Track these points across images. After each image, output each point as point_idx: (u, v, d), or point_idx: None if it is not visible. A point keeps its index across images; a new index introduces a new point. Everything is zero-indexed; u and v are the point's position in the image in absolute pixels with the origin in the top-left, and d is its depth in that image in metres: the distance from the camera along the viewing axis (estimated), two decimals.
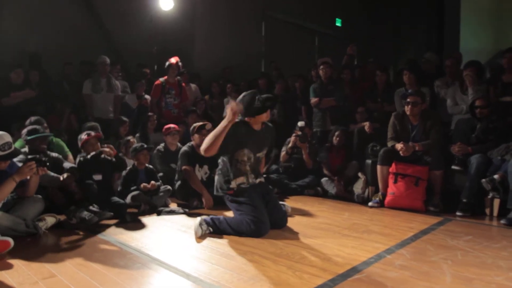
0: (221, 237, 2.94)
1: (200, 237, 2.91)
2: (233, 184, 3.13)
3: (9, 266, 2.30)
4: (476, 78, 4.56)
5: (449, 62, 5.19)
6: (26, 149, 3.49)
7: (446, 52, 8.91)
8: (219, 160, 3.33)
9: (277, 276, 2.21)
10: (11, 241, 2.54)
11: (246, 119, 3.12)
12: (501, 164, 3.78)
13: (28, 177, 2.90)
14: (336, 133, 5.00)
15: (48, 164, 2.89)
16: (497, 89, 4.49)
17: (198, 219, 3.03)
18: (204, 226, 2.97)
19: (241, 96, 3.16)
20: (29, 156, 3.06)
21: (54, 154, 3.70)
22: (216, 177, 3.32)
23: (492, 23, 9.30)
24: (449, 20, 9.86)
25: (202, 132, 4.26)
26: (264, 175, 4.88)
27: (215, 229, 3.00)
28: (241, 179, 3.14)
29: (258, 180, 3.27)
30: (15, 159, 2.99)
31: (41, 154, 3.41)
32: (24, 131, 3.50)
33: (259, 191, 3.21)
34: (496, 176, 3.69)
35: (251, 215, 2.94)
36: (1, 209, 2.92)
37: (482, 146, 4.02)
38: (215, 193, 3.40)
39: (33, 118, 4.01)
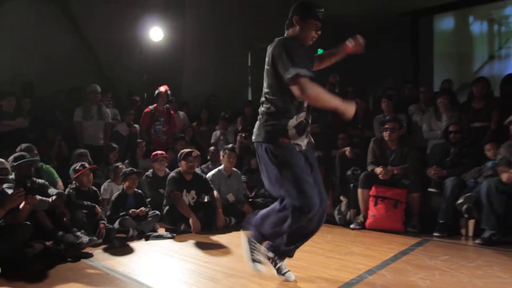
0: (207, 261, 2.91)
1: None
2: (292, 124, 2.26)
3: None
4: (449, 105, 4.71)
5: (423, 89, 5.35)
6: (12, 176, 3.44)
7: (421, 81, 9.19)
8: (263, 99, 2.38)
9: None
10: None
11: None
12: (474, 186, 3.84)
13: (21, 206, 2.84)
14: (319, 157, 4.99)
15: (33, 190, 2.85)
16: (469, 115, 4.61)
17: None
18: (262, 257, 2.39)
19: None
20: (16, 186, 3.00)
21: (40, 181, 3.63)
22: (257, 122, 2.39)
23: (459, 55, 9.72)
24: (423, 53, 10.22)
25: (189, 158, 4.27)
26: (250, 200, 4.91)
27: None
28: (302, 115, 2.32)
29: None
30: (4, 186, 2.94)
31: (27, 180, 3.36)
32: (11, 158, 3.45)
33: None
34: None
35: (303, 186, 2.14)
36: None
37: (456, 169, 4.10)
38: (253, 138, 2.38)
39: (23, 145, 3.96)
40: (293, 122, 2.26)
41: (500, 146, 3.84)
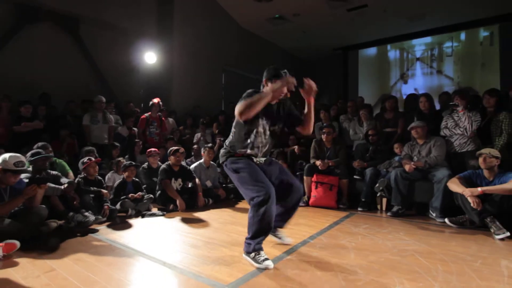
0: (190, 232, 2.86)
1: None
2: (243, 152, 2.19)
3: (16, 264, 2.09)
4: (368, 116, 4.89)
5: (350, 104, 5.52)
6: (30, 168, 3.22)
7: (350, 96, 9.52)
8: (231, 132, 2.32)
9: (231, 259, 2.18)
10: (17, 243, 2.32)
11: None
12: (386, 174, 4.01)
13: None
14: (276, 153, 5.02)
15: (48, 180, 2.69)
16: (382, 123, 4.81)
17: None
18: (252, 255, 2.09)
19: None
20: (30, 177, 2.81)
21: (54, 172, 3.42)
22: (222, 150, 2.34)
23: (377, 75, 10.18)
24: (351, 75, 10.59)
25: (177, 154, 4.18)
26: (224, 185, 4.86)
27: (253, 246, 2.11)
28: (253, 152, 2.21)
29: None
30: (22, 176, 2.74)
31: (42, 172, 3.17)
32: (29, 154, 3.23)
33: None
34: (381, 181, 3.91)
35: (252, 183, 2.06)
36: (10, 217, 2.65)
37: (373, 162, 4.26)
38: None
39: (40, 144, 3.71)
40: (243, 152, 2.19)
41: (404, 145, 4.04)
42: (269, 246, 2.45)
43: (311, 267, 2.04)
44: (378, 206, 4.05)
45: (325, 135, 4.38)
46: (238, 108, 2.01)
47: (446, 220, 3.25)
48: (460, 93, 3.95)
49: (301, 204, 4.20)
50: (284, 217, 2.41)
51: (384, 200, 3.99)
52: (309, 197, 4.27)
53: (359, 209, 3.98)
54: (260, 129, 2.19)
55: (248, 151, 2.19)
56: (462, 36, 8.75)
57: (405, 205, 3.72)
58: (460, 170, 3.33)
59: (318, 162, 4.28)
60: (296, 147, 5.12)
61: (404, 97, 7.59)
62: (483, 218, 2.88)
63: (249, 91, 2.12)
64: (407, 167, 3.68)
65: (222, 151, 2.32)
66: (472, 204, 2.89)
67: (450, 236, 2.85)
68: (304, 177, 4.34)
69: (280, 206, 2.31)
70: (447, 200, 3.35)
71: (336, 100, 6.51)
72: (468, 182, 3.09)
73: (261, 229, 2.03)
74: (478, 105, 4.24)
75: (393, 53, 9.91)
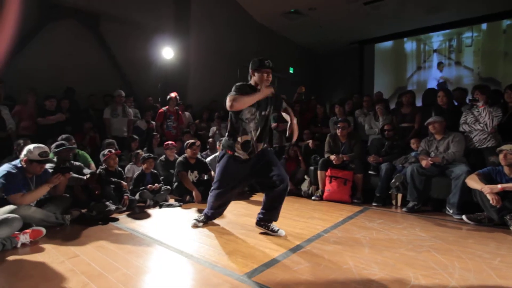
0: (206, 224, 2.89)
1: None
2: (238, 142, 2.47)
3: (42, 250, 2.17)
4: (384, 110, 4.78)
5: (366, 98, 5.41)
6: (55, 159, 3.33)
7: (365, 91, 9.32)
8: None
9: (247, 250, 2.19)
10: (43, 230, 2.42)
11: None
12: (402, 170, 3.92)
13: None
14: (292, 148, 4.99)
15: (71, 169, 2.78)
16: (398, 118, 4.69)
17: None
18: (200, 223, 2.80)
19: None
20: (55, 166, 2.91)
21: (77, 163, 3.53)
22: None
23: (393, 67, 9.91)
24: (367, 69, 10.35)
25: (193, 147, 4.22)
26: None
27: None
28: (247, 137, 2.44)
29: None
30: (47, 166, 2.84)
31: (66, 162, 3.26)
32: (53, 145, 3.34)
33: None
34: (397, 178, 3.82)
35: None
36: (36, 205, 2.76)
37: (389, 157, 4.17)
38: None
39: (63, 136, 3.82)
40: (239, 141, 2.43)
41: (421, 141, 3.93)
42: (282, 239, 2.46)
43: (325, 260, 2.02)
44: (393, 202, 3.99)
45: (340, 129, 4.31)
46: (228, 100, 2.24)
47: (464, 217, 3.16)
48: (480, 88, 3.78)
49: (315, 198, 4.24)
50: (271, 208, 2.52)
51: (399, 196, 3.92)
52: (323, 191, 4.23)
53: (373, 204, 3.92)
54: (249, 116, 2.41)
55: (239, 140, 2.43)
56: (484, 25, 8.32)
57: (421, 201, 3.63)
58: (479, 167, 3.21)
59: (332, 157, 4.23)
60: (310, 141, 5.07)
61: (435, 85, 7.35)
62: (503, 215, 2.78)
63: (237, 84, 2.36)
64: (424, 163, 3.58)
65: (224, 139, 2.57)
66: (491, 201, 2.79)
67: (467, 233, 2.77)
68: (318, 171, 4.30)
69: (265, 197, 2.53)
70: (465, 197, 3.25)
71: (351, 95, 6.38)
72: (488, 179, 2.98)
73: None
74: (499, 100, 4.07)
75: (409, 45, 9.58)
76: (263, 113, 2.45)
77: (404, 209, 3.65)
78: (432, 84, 8.85)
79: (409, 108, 4.65)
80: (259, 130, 2.45)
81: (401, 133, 4.52)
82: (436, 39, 9.07)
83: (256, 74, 2.40)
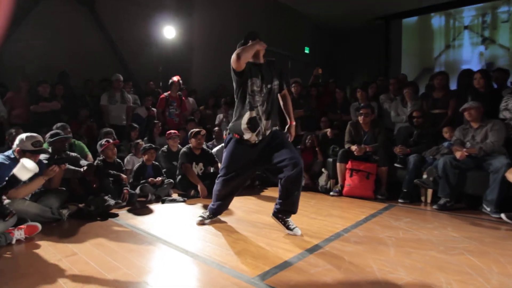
0: (212, 220, 2.91)
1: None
2: (245, 121, 2.51)
3: (37, 247, 2.23)
4: (413, 95, 4.67)
5: (392, 81, 5.29)
6: (49, 149, 3.40)
7: (390, 74, 9.10)
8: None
9: (257, 251, 2.20)
10: (39, 225, 2.48)
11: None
12: (432, 162, 3.84)
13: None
14: (309, 137, 4.89)
15: (67, 161, 2.83)
16: (429, 103, 4.59)
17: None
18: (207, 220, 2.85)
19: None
20: (50, 157, 2.96)
21: (73, 154, 3.59)
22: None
23: (422, 46, 9.63)
24: (393, 48, 10.10)
25: (198, 136, 4.23)
26: None
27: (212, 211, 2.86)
28: (255, 112, 2.50)
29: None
30: (41, 157, 2.90)
31: (61, 153, 3.32)
32: (48, 134, 3.40)
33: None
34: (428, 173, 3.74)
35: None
36: (30, 199, 2.83)
37: (418, 148, 4.09)
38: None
39: (59, 124, 3.90)
40: (245, 119, 2.47)
41: (455, 129, 3.83)
42: (297, 238, 2.45)
43: (345, 263, 2.01)
44: (422, 198, 3.94)
45: (362, 116, 4.24)
46: (232, 57, 2.38)
47: (503, 215, 3.09)
48: None
49: (333, 193, 4.22)
50: (288, 196, 2.48)
51: (430, 192, 3.86)
52: (342, 186, 4.21)
53: (399, 200, 3.87)
54: (255, 88, 2.48)
55: (246, 116, 2.48)
56: None
57: (454, 198, 3.56)
58: None
59: (353, 147, 4.17)
60: (328, 130, 5.02)
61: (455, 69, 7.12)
62: None
63: (241, 42, 2.59)
64: (458, 154, 3.50)
65: (232, 122, 2.63)
66: None
67: (506, 234, 2.71)
68: (338, 164, 4.26)
69: (280, 185, 2.48)
70: (505, 193, 3.18)
71: (375, 78, 6.24)
72: None
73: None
74: None
75: (437, 20, 9.23)
76: (268, 85, 2.54)
77: (434, 207, 3.60)
78: (468, 65, 8.57)
79: (442, 92, 4.53)
80: (265, 106, 2.53)
81: (432, 121, 4.42)
82: (468, 13, 8.69)
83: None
